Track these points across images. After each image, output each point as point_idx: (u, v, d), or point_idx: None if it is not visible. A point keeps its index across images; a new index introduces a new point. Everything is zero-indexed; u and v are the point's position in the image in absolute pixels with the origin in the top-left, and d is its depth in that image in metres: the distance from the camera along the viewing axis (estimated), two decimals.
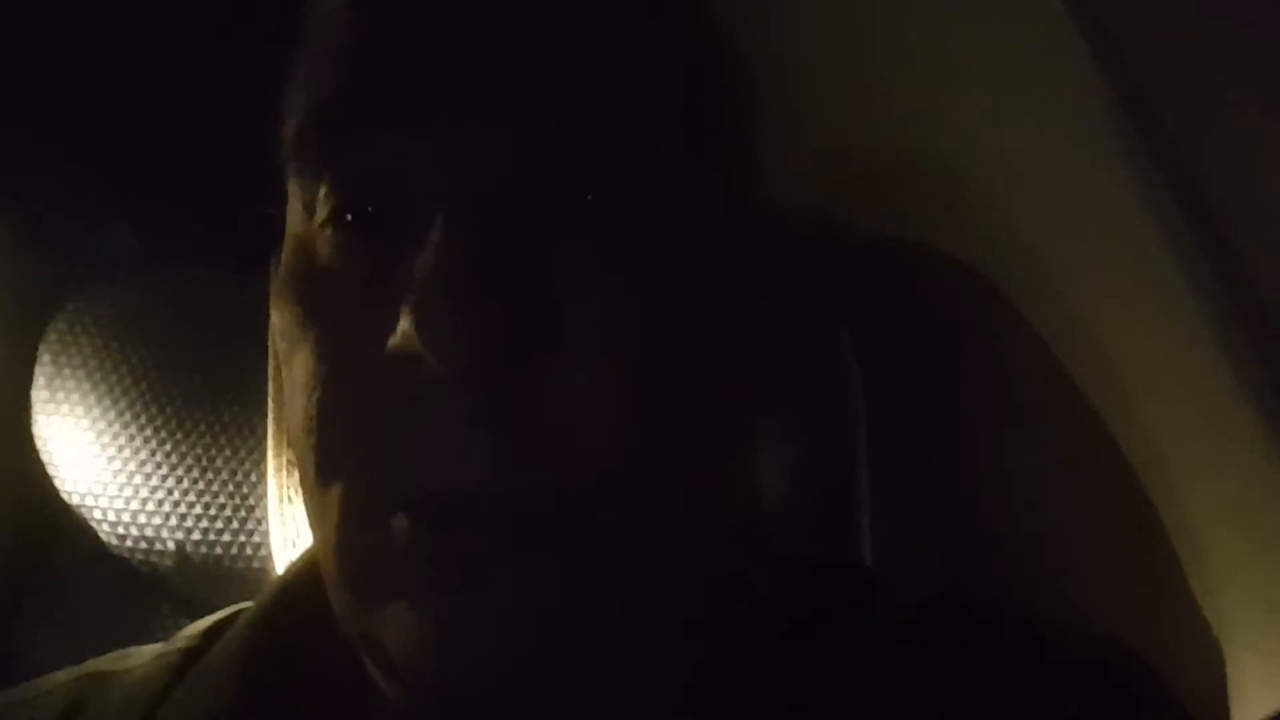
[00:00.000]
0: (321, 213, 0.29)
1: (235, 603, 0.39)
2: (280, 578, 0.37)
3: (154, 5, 0.57)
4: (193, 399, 0.49)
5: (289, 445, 0.46)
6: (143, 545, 0.48)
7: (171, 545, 0.48)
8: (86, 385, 0.48)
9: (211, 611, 0.39)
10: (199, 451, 0.48)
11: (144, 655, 0.37)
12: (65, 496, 0.49)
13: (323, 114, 0.29)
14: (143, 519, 0.48)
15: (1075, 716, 0.32)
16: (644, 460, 0.28)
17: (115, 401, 0.48)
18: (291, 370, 0.30)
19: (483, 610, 0.26)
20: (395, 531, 0.27)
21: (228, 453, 0.49)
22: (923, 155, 0.60)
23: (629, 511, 0.28)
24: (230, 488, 0.48)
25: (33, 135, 0.56)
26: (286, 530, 0.48)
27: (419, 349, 0.25)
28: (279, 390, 0.49)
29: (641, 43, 0.30)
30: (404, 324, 0.26)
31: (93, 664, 0.37)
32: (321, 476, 0.29)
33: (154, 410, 0.48)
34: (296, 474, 0.47)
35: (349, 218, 0.29)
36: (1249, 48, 0.44)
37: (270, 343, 0.48)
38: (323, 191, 0.29)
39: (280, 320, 0.31)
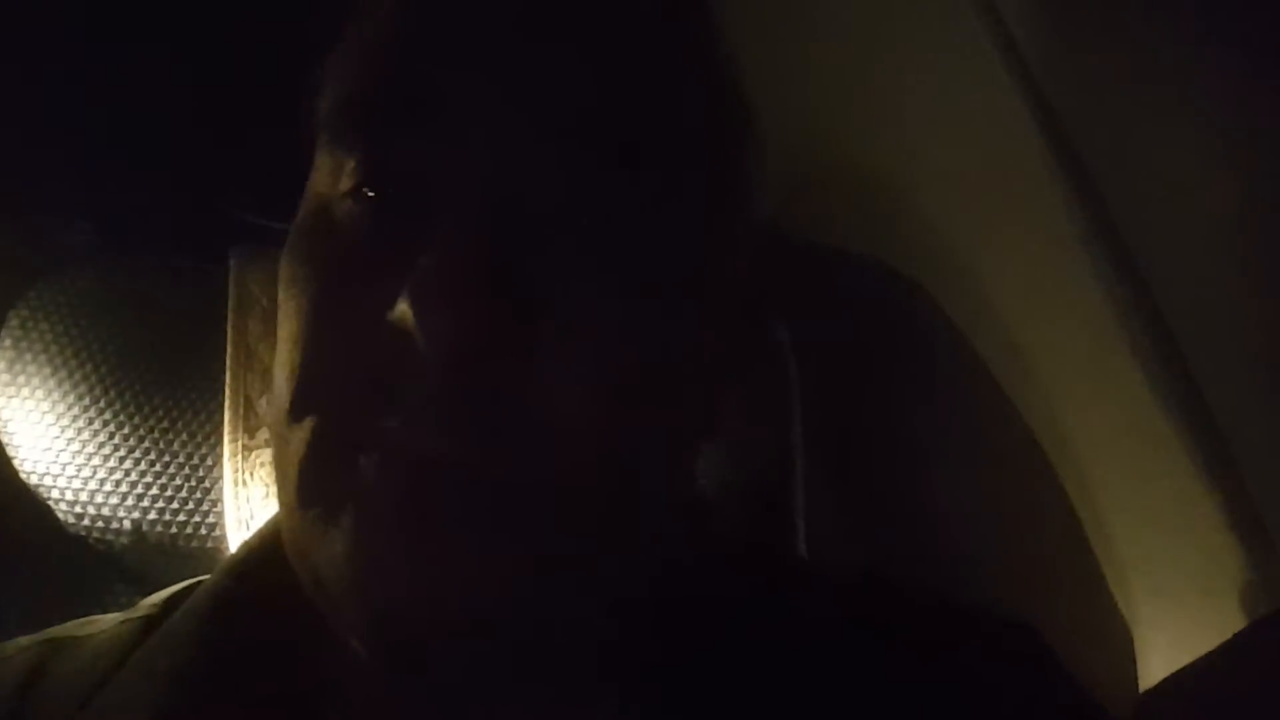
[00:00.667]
0: (346, 183, 0.31)
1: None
2: (238, 550, 0.38)
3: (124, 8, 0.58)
4: (151, 385, 0.50)
5: (251, 431, 0.47)
6: (99, 524, 0.49)
7: (128, 524, 0.49)
8: (47, 370, 0.49)
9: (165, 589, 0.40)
10: (156, 435, 0.50)
11: (106, 622, 0.38)
12: (24, 477, 0.49)
13: (364, 98, 0.31)
14: (100, 499, 0.49)
15: (973, 685, 0.34)
16: (604, 450, 0.30)
17: (75, 386, 0.49)
18: (287, 318, 0.31)
19: (430, 556, 0.28)
20: (361, 467, 0.29)
21: (184, 437, 0.50)
22: (860, 168, 0.63)
23: (583, 493, 0.29)
24: (186, 470, 0.49)
25: None
26: (240, 512, 0.49)
27: (413, 330, 0.28)
28: (236, 378, 0.50)
29: (664, 83, 0.32)
30: (403, 305, 0.28)
31: (56, 630, 0.38)
32: (295, 412, 0.30)
33: (113, 395, 0.49)
34: (252, 457, 0.49)
35: (370, 194, 0.31)
36: (1162, 75, 0.47)
37: (229, 331, 0.50)
38: (350, 165, 0.31)
39: (286, 269, 0.32)
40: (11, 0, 0.56)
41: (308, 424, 0.30)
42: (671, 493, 0.35)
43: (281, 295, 0.32)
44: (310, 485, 0.30)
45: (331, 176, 0.32)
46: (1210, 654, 0.43)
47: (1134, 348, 0.49)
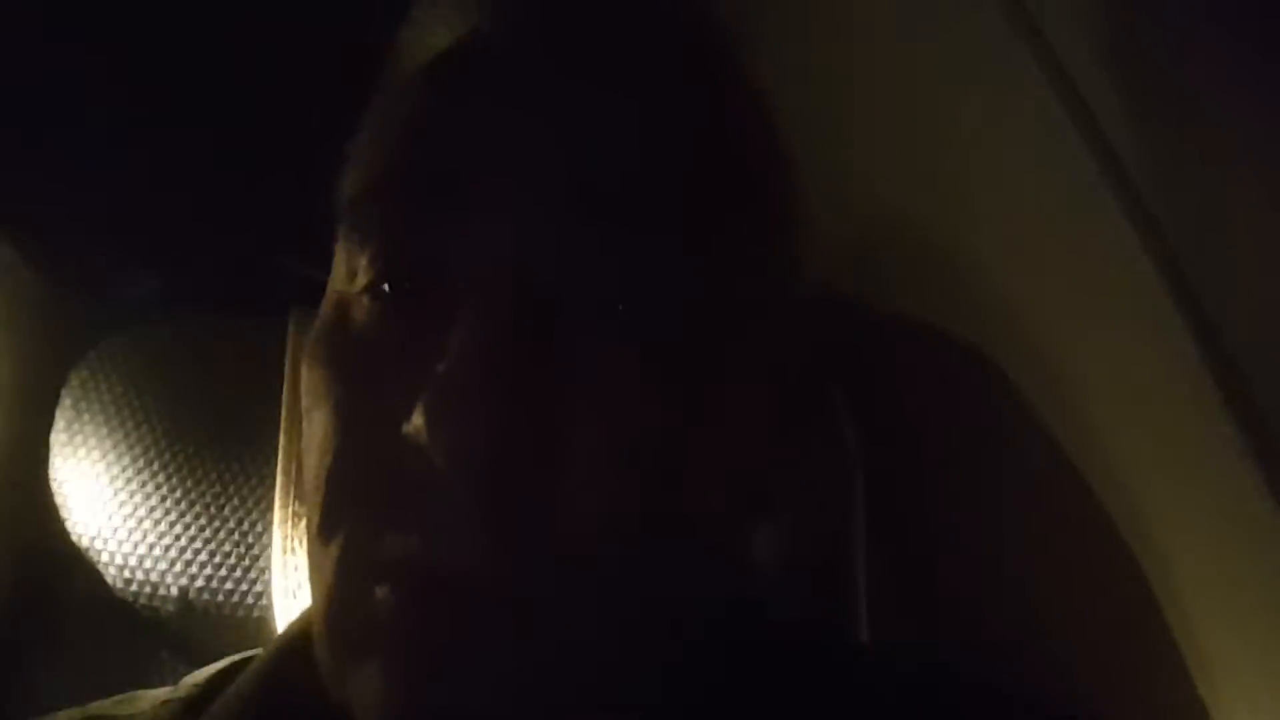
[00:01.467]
0: (362, 280, 0.30)
1: (234, 650, 0.39)
2: (287, 630, 0.37)
3: (187, 60, 0.59)
4: (205, 448, 0.50)
5: (302, 498, 0.47)
6: (147, 590, 0.49)
7: (175, 591, 0.48)
8: (104, 430, 0.50)
9: (211, 657, 0.39)
10: (208, 500, 0.49)
11: (147, 701, 0.37)
12: (75, 539, 0.49)
13: (381, 185, 0.31)
14: (149, 564, 0.49)
15: None
16: (641, 546, 0.28)
17: (130, 448, 0.49)
18: (311, 426, 0.31)
19: (452, 682, 0.27)
20: (379, 598, 0.28)
21: (235, 502, 0.49)
22: (928, 234, 0.62)
23: (619, 597, 0.28)
24: (236, 536, 0.49)
25: (61, 183, 0.58)
26: (289, 581, 0.48)
27: (428, 445, 0.26)
28: (290, 442, 0.50)
29: (695, 154, 0.31)
30: (418, 418, 0.27)
31: (97, 706, 0.38)
32: (323, 535, 0.30)
33: (167, 458, 0.49)
34: (302, 525, 0.48)
35: (386, 288, 0.30)
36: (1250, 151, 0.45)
37: (284, 395, 0.50)
38: (366, 259, 0.30)
39: (308, 375, 0.32)
40: (66, 52, 0.57)
41: (336, 546, 0.29)
42: (721, 577, 0.33)
43: (305, 402, 0.32)
44: (340, 613, 0.29)
45: (348, 274, 0.31)
46: None
47: (1224, 435, 0.47)
